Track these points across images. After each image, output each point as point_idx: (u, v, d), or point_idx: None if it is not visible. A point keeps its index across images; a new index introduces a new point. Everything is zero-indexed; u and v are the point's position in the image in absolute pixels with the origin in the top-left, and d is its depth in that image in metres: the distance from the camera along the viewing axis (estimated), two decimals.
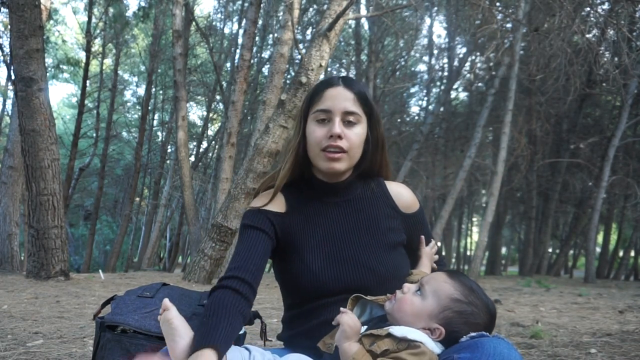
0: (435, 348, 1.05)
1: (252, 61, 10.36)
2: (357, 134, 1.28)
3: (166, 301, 1.07)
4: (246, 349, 1.12)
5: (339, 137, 1.25)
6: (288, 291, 1.36)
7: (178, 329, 1.02)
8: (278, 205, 1.33)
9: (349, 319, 1.06)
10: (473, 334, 1.07)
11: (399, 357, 1.00)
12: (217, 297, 1.13)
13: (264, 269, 1.24)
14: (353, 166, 1.33)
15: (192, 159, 17.95)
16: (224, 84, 14.51)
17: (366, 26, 13.90)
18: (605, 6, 9.29)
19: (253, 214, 1.31)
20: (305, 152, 1.33)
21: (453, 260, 24.02)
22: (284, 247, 1.32)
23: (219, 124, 18.85)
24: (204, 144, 19.36)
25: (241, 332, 1.32)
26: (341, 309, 1.10)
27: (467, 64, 13.85)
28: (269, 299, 4.82)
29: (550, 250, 17.89)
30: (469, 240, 26.98)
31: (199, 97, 19.73)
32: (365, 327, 1.13)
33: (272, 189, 1.36)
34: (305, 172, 1.36)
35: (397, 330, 1.04)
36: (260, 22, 11.57)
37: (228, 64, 16.28)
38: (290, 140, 1.38)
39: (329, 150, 1.26)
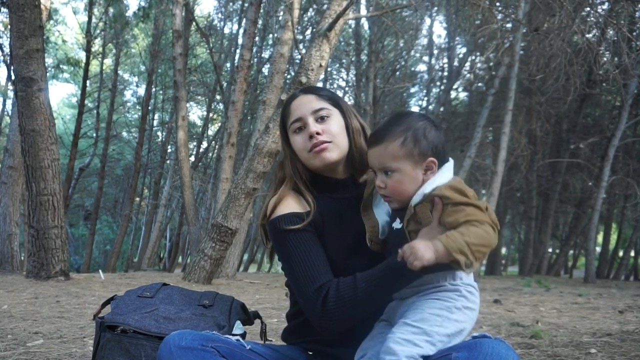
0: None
1: (252, 61, 10.37)
2: (334, 124, 1.32)
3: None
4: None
5: (318, 133, 1.29)
6: None
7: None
8: (302, 205, 1.32)
9: (416, 245, 1.01)
10: (476, 334, 1.07)
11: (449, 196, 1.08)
12: (345, 283, 1.18)
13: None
14: (345, 157, 1.34)
15: (192, 159, 17.95)
16: (224, 84, 14.51)
17: (366, 26, 13.92)
18: (605, 6, 9.29)
19: (291, 219, 1.27)
20: (302, 166, 1.35)
21: None
22: None
23: (219, 124, 18.85)
24: (204, 144, 19.37)
25: (241, 332, 1.32)
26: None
27: (467, 64, 13.85)
28: (269, 299, 4.82)
29: (550, 250, 17.88)
30: None
31: (199, 97, 19.75)
32: (398, 221, 1.20)
33: (285, 193, 1.34)
34: (310, 173, 1.37)
35: (416, 197, 1.13)
36: (260, 22, 11.57)
37: (228, 64, 16.28)
38: (281, 162, 1.41)
39: (314, 147, 1.29)
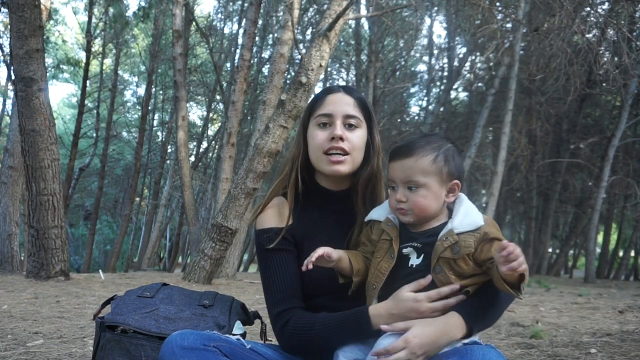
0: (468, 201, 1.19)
1: (252, 61, 10.36)
2: (358, 137, 1.30)
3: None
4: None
5: (341, 138, 1.26)
6: None
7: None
8: (285, 218, 1.32)
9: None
10: (466, 340, 1.06)
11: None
12: (300, 322, 1.20)
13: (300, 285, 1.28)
14: (355, 171, 1.33)
15: (192, 159, 17.95)
16: (224, 84, 14.50)
17: (366, 26, 13.90)
18: (605, 6, 9.29)
19: (270, 237, 1.29)
20: (306, 159, 1.34)
21: None
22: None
23: (219, 124, 18.85)
24: (204, 144, 19.36)
25: (241, 332, 1.32)
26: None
27: (467, 64, 13.85)
28: None
29: (550, 250, 17.88)
30: None
31: (199, 97, 19.74)
32: (410, 248, 1.15)
33: (277, 198, 1.36)
34: (306, 177, 1.36)
35: (458, 226, 1.11)
36: (260, 22, 11.57)
37: (228, 64, 16.28)
38: (291, 148, 1.39)
39: (331, 153, 1.27)
